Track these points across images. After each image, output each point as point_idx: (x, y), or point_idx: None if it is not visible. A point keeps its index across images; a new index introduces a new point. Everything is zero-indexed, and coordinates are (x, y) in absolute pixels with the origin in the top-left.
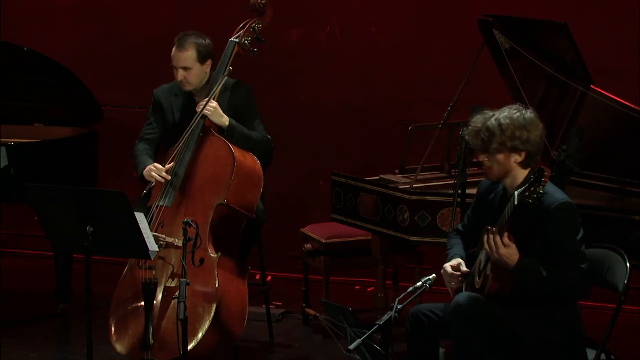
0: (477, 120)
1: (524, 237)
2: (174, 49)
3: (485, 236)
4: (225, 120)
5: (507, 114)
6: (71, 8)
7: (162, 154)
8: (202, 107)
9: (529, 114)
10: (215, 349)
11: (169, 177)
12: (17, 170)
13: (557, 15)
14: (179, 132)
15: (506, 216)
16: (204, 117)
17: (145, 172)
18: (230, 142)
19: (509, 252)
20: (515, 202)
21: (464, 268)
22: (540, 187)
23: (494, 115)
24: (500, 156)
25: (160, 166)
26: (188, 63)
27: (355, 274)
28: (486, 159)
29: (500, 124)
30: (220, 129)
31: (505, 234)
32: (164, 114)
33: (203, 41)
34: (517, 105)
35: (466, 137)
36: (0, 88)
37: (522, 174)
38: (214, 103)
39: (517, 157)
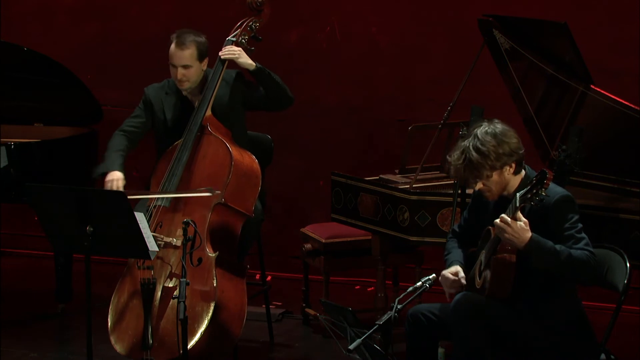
0: (455, 156)
1: None
2: (173, 46)
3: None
4: (252, 62)
5: (479, 137)
6: (71, 8)
7: (163, 153)
8: (225, 53)
9: (498, 125)
10: (214, 348)
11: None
12: (17, 170)
13: (557, 15)
14: (169, 131)
15: (509, 215)
16: (203, 113)
17: (106, 185)
18: (264, 81)
19: (522, 227)
20: (517, 204)
21: (462, 275)
22: (542, 190)
23: (467, 145)
24: (495, 177)
25: (122, 184)
26: (188, 61)
27: (355, 274)
28: (482, 185)
29: (480, 152)
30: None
31: (518, 211)
32: (154, 113)
33: (201, 39)
34: (484, 122)
35: (452, 175)
36: (1, 88)
37: (516, 179)
38: (237, 47)
39: (509, 169)
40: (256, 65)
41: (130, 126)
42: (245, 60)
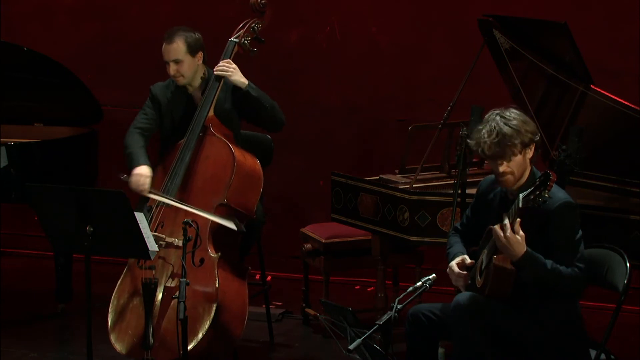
0: (485, 133)
1: (526, 237)
2: (163, 44)
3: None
4: (245, 81)
5: (505, 116)
6: (71, 8)
7: (165, 151)
8: (219, 69)
9: (514, 110)
10: (215, 349)
11: (145, 194)
12: (17, 170)
13: (557, 15)
14: (173, 130)
15: (510, 217)
16: (206, 113)
17: (132, 179)
18: (252, 103)
19: (517, 240)
20: (520, 205)
21: (468, 261)
22: (545, 192)
23: (494, 123)
24: (519, 157)
25: (149, 180)
26: (179, 55)
27: (355, 274)
28: (506, 167)
29: (512, 127)
30: (230, 105)
31: (517, 222)
32: (161, 110)
33: (192, 34)
34: (498, 109)
35: (483, 152)
36: (0, 88)
37: (528, 170)
38: (233, 64)
39: (529, 152)
40: (248, 85)
41: (144, 122)
42: (238, 78)
